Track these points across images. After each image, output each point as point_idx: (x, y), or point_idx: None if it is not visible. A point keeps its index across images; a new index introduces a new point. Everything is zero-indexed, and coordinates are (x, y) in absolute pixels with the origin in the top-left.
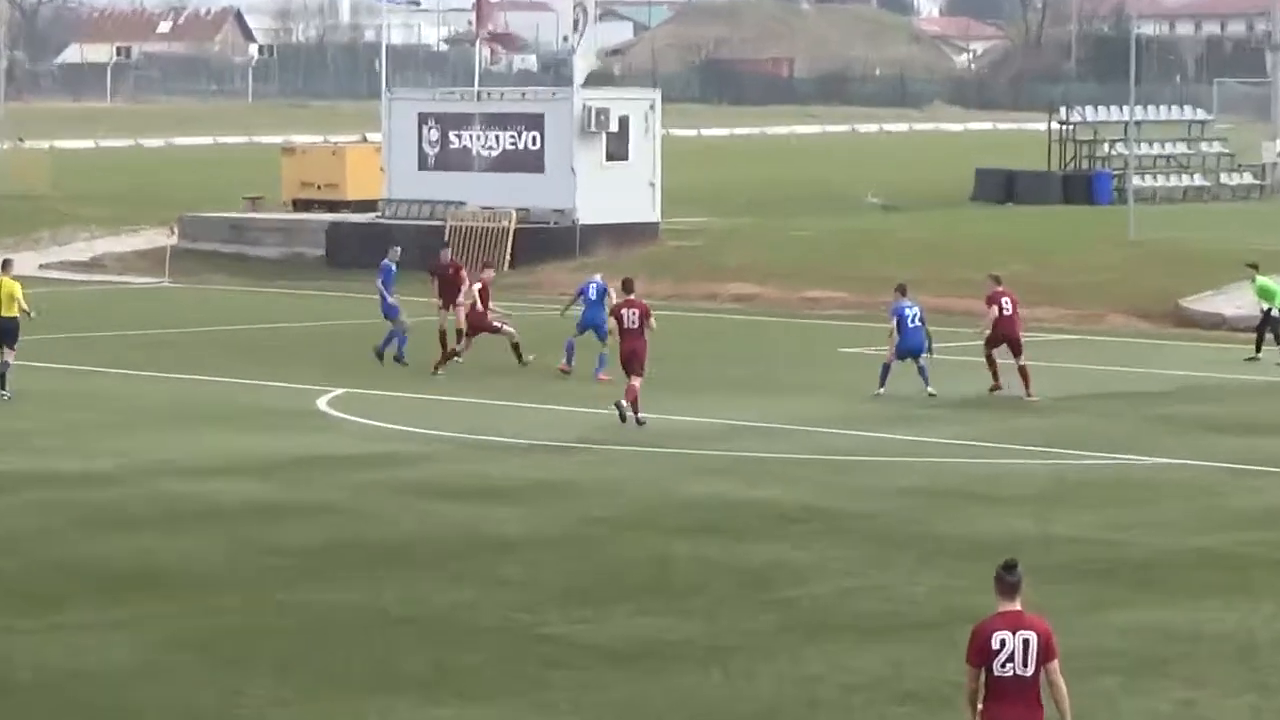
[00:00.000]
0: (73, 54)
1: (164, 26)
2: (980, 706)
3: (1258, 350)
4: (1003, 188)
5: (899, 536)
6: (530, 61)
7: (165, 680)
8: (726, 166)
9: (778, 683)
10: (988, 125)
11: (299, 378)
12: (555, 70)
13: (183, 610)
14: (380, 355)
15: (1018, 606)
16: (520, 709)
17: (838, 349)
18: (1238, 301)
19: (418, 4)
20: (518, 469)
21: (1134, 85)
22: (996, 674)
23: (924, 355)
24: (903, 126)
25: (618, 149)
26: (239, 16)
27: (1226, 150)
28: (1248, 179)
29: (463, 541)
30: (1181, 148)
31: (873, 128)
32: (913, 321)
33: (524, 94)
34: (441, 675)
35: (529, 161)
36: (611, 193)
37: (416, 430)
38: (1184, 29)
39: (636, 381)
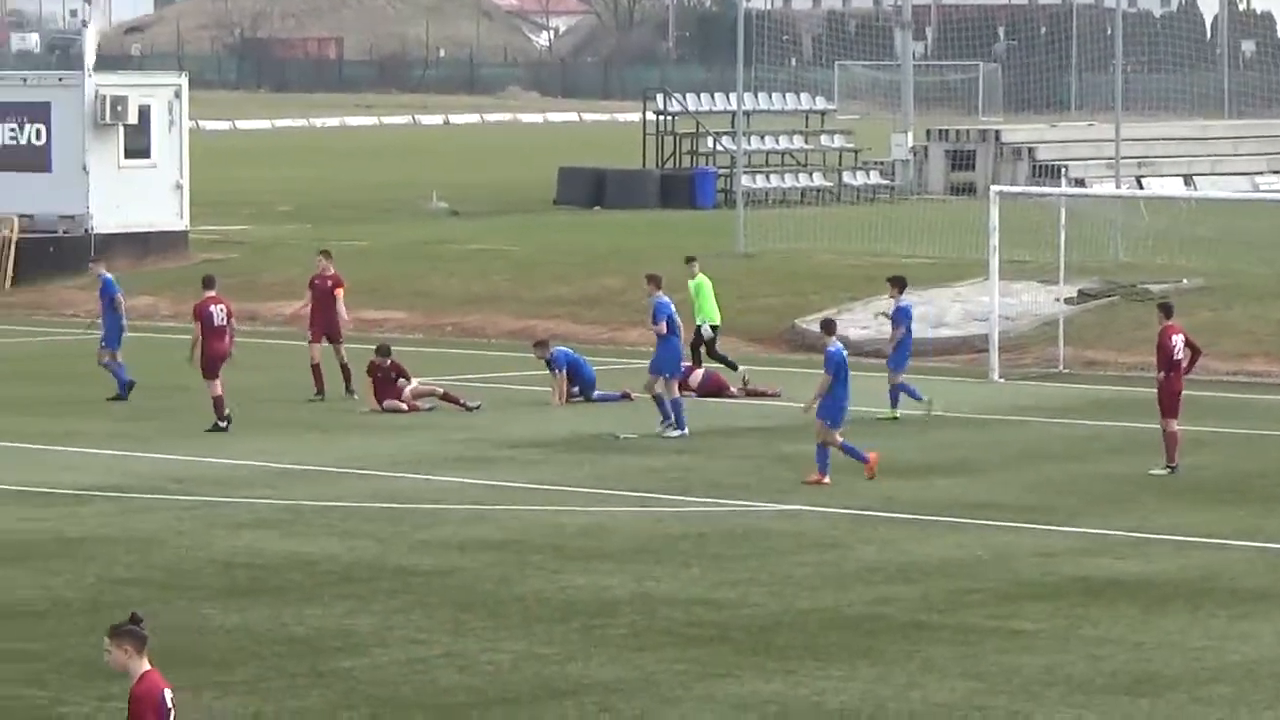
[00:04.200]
0: None
1: None
2: None
3: (733, 368)
4: (591, 189)
5: (476, 597)
6: (33, 41)
7: None
8: (267, 165)
9: None
10: (572, 116)
11: None
12: (63, 51)
13: None
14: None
15: (148, 664)
16: None
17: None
18: (863, 321)
19: None
20: (27, 523)
21: (742, 69)
22: None
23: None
24: (473, 117)
25: (138, 144)
26: None
27: (850, 145)
28: (875, 178)
29: None
30: (799, 142)
31: (437, 119)
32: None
33: (26, 79)
34: None
35: (33, 159)
36: (131, 196)
37: None
38: (801, 4)
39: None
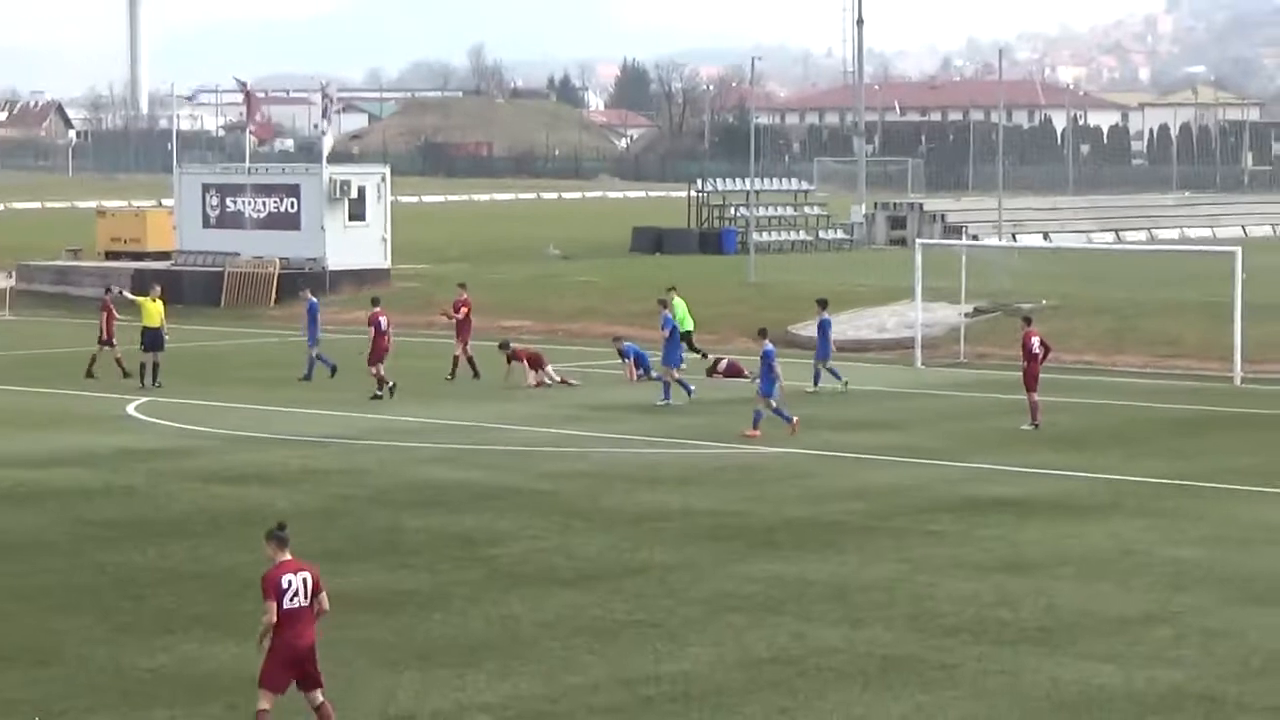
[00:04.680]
0: None
1: (0, 116)
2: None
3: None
4: (654, 241)
5: (576, 508)
6: (289, 144)
7: (2, 624)
8: (442, 226)
9: (485, 621)
10: (642, 194)
11: (115, 388)
12: (308, 150)
13: (17, 570)
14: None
15: (289, 556)
16: None
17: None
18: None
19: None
20: (284, 458)
21: (753, 163)
22: (286, 606)
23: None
24: (577, 195)
25: (358, 211)
26: (60, 109)
27: (824, 213)
28: (840, 235)
29: (238, 515)
30: (789, 210)
31: (553, 196)
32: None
33: (284, 169)
34: (224, 618)
35: (289, 221)
36: (353, 245)
37: (205, 429)
38: (792, 119)
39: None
